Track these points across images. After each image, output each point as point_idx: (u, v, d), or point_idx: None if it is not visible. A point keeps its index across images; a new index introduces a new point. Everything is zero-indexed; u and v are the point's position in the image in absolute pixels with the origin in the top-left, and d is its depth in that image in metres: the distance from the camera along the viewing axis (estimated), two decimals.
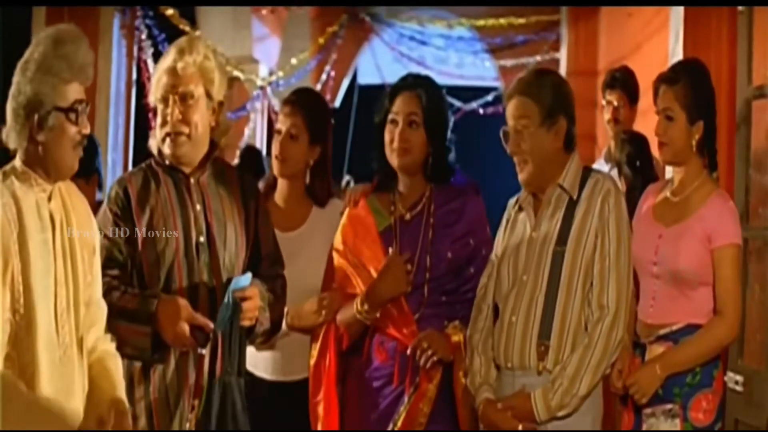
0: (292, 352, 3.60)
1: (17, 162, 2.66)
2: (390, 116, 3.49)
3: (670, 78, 3.41)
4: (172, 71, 3.16)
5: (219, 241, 3.19)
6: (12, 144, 2.64)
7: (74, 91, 2.66)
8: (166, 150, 3.19)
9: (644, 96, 5.29)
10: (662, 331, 3.33)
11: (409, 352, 3.36)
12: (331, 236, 3.62)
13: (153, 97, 3.20)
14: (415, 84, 3.52)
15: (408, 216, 3.52)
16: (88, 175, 4.06)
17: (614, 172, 4.94)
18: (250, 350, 3.49)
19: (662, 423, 3.28)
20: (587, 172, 3.29)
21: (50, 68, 2.61)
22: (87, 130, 2.70)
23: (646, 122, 5.24)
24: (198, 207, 3.19)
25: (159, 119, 3.20)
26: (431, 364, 3.34)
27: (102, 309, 2.85)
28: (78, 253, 2.71)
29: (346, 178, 9.98)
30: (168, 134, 3.17)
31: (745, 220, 4.21)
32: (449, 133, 3.55)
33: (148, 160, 3.29)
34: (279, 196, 3.78)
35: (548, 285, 3.19)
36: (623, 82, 5.21)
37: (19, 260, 2.56)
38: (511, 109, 3.26)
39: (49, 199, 2.68)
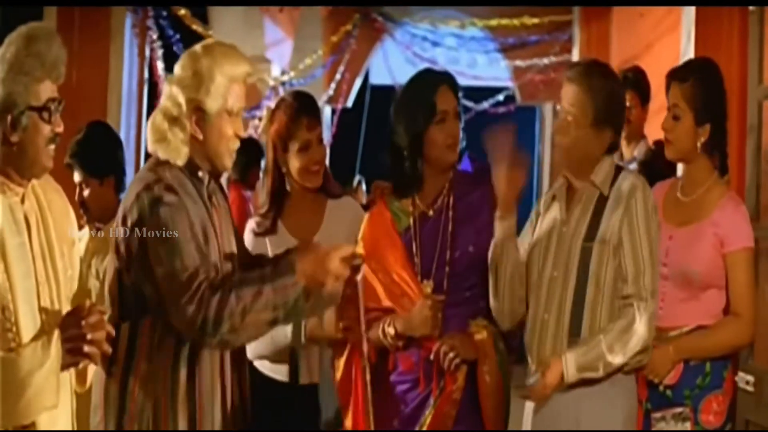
0: (308, 355, 3.59)
1: None
2: (437, 116, 3.38)
3: (680, 75, 3.37)
4: (244, 82, 2.96)
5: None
6: None
7: (47, 90, 2.62)
8: (228, 163, 2.98)
9: (656, 96, 5.27)
10: (672, 334, 3.30)
11: (432, 357, 3.32)
12: (351, 228, 3.56)
13: (217, 105, 2.87)
14: (445, 75, 3.47)
15: (430, 212, 3.45)
16: (109, 173, 4.06)
17: None
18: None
19: (672, 426, 3.26)
20: (618, 170, 3.25)
21: (22, 67, 2.56)
22: (60, 129, 2.65)
23: (659, 123, 5.22)
24: (216, 221, 2.95)
25: (228, 130, 2.92)
26: (455, 367, 3.30)
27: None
28: (56, 250, 2.69)
29: (358, 177, 9.99)
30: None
31: (755, 219, 4.20)
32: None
33: (158, 165, 2.92)
34: (294, 206, 3.71)
35: (577, 281, 3.16)
36: (635, 82, 5.19)
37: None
38: (567, 94, 3.21)
39: (22, 200, 2.64)
